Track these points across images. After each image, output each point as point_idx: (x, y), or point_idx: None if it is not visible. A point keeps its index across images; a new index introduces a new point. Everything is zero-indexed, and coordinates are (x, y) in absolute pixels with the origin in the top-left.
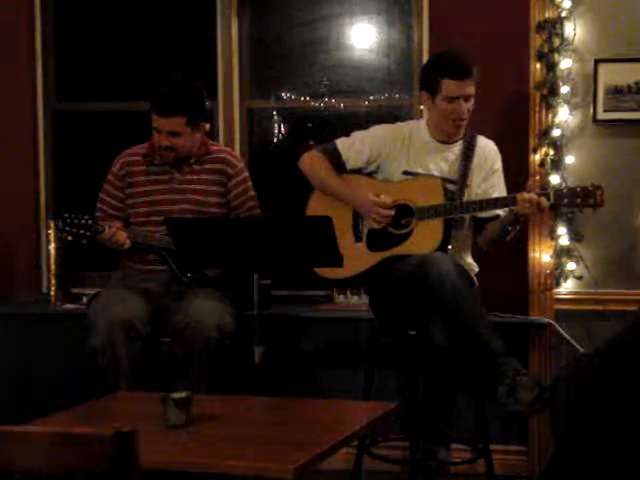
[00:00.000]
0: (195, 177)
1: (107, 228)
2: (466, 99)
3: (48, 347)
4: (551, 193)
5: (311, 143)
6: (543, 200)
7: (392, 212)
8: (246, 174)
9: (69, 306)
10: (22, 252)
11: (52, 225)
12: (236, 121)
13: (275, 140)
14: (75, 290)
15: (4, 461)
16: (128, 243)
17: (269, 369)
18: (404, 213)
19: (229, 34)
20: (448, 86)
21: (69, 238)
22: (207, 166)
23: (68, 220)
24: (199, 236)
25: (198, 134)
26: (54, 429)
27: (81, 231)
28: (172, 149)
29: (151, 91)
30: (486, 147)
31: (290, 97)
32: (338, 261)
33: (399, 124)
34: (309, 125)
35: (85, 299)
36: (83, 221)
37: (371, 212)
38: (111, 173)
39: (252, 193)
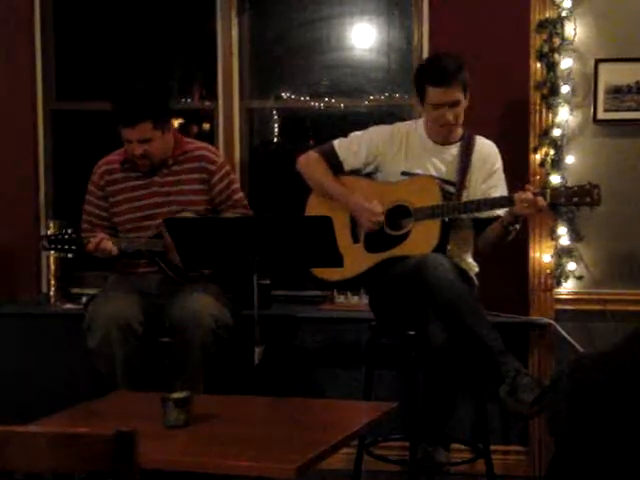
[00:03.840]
0: (175, 178)
1: (92, 239)
2: (453, 105)
3: (48, 347)
4: (548, 192)
5: (311, 143)
6: (540, 199)
7: (381, 219)
8: (227, 168)
9: (69, 306)
10: (22, 252)
11: (51, 224)
12: (236, 121)
13: (275, 140)
14: (75, 290)
15: (5, 461)
16: (115, 250)
17: (269, 369)
18: (402, 214)
19: (229, 34)
20: (432, 94)
21: (55, 255)
22: (186, 165)
23: (52, 237)
24: (198, 236)
25: (169, 134)
26: (54, 429)
27: (66, 246)
28: (146, 157)
29: (112, 104)
30: (485, 148)
31: (290, 97)
32: (338, 261)
33: (397, 124)
34: (309, 125)
35: (84, 299)
36: (67, 236)
37: (362, 218)
38: (91, 183)
39: (236, 186)
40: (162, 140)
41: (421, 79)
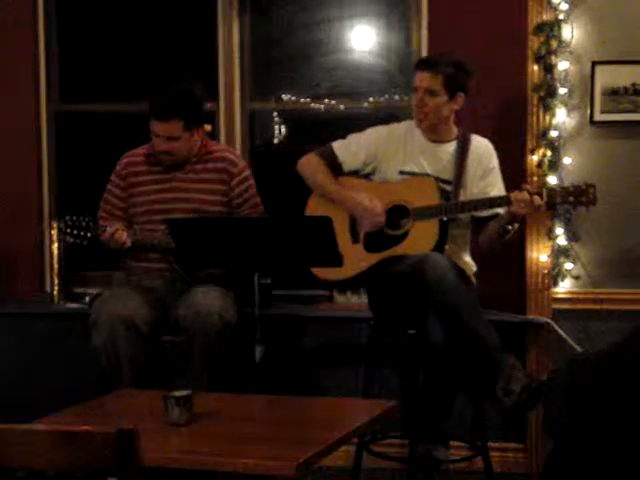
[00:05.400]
0: (197, 176)
1: (108, 228)
2: (426, 91)
3: (51, 346)
4: (544, 192)
5: (311, 144)
6: (536, 199)
7: (382, 219)
8: (248, 172)
9: (72, 305)
10: (25, 251)
11: (55, 225)
12: (237, 122)
13: (276, 141)
14: (78, 289)
15: (7, 459)
16: (129, 242)
17: (270, 368)
18: (400, 214)
19: (230, 36)
20: (415, 77)
21: (71, 240)
22: (209, 165)
23: (70, 222)
24: (199, 236)
25: (196, 138)
26: (57, 427)
27: (82, 232)
28: (169, 153)
29: (150, 96)
30: (480, 146)
31: (290, 99)
32: (338, 261)
33: (395, 125)
34: (309, 126)
35: (88, 298)
36: (84, 223)
37: (363, 218)
38: (114, 173)
39: (254, 190)
40: (188, 141)
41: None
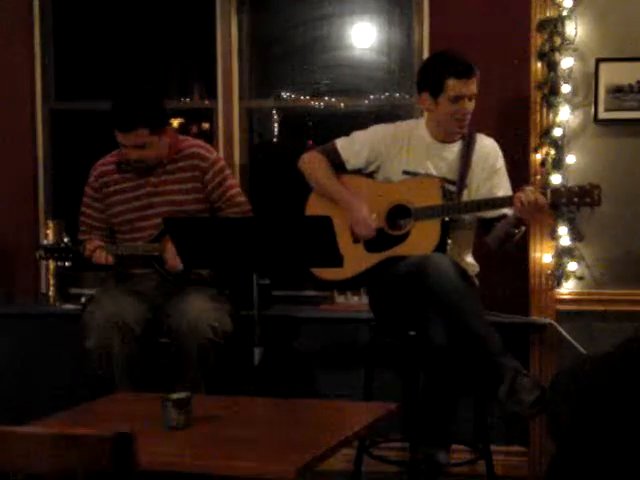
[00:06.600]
0: (170, 177)
1: (87, 246)
2: (470, 98)
3: (47, 347)
4: (548, 192)
5: (310, 143)
6: (541, 198)
7: (373, 234)
8: (221, 164)
9: (68, 306)
10: (21, 252)
11: (50, 224)
12: (235, 121)
13: (275, 139)
14: (73, 290)
15: (4, 461)
16: (110, 259)
17: (269, 370)
18: (402, 214)
19: (229, 33)
20: (454, 86)
21: (53, 263)
22: (180, 164)
23: (49, 247)
24: (198, 236)
25: (165, 138)
26: (54, 430)
27: (63, 254)
28: (141, 161)
29: (110, 109)
30: (486, 146)
31: (290, 96)
32: (338, 261)
33: (399, 123)
34: (309, 124)
35: (83, 299)
36: (62, 245)
37: (356, 226)
38: (88, 186)
39: (230, 182)
40: (158, 145)
41: (440, 72)
